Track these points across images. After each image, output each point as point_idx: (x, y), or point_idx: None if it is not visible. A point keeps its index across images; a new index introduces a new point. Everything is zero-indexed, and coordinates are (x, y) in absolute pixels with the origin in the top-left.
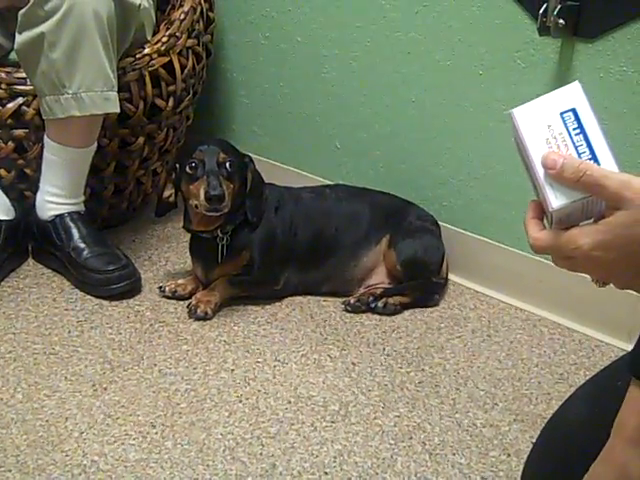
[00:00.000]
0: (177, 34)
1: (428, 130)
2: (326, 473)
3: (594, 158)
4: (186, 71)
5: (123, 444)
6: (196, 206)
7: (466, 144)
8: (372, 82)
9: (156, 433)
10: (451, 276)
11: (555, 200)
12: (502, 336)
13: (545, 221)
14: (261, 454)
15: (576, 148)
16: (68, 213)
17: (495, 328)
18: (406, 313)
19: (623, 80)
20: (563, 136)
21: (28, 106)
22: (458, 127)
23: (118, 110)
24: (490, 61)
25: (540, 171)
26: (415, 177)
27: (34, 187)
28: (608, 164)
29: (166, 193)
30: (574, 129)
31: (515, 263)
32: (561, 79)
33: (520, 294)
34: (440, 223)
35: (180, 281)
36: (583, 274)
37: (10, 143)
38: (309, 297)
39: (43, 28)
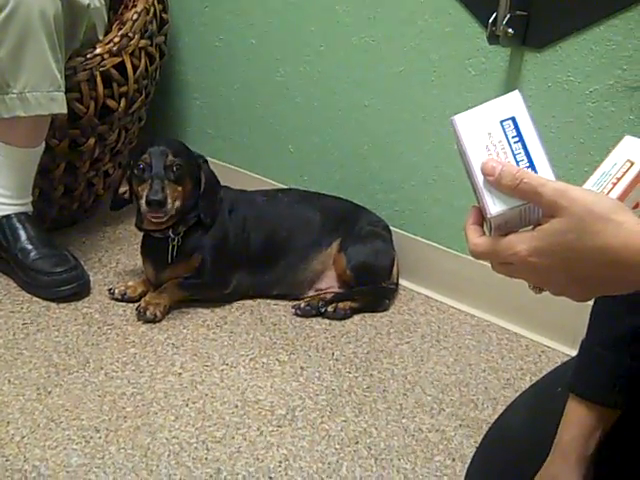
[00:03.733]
0: (129, 34)
1: (380, 135)
2: (271, 478)
3: (532, 166)
4: (138, 72)
5: (65, 449)
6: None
7: (418, 150)
8: (325, 86)
9: (100, 437)
10: (402, 281)
11: (493, 206)
12: (451, 341)
13: (485, 227)
14: (206, 459)
15: (514, 156)
16: (15, 214)
17: (444, 333)
18: (356, 318)
19: (570, 90)
20: (502, 144)
21: None
22: (410, 133)
23: (65, 111)
24: (442, 68)
25: (479, 177)
26: (367, 182)
27: None
28: (545, 172)
29: (122, 189)
30: (513, 137)
31: (465, 269)
32: (510, 87)
33: (470, 299)
34: (392, 228)
35: (130, 283)
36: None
37: None
38: (259, 300)
39: None
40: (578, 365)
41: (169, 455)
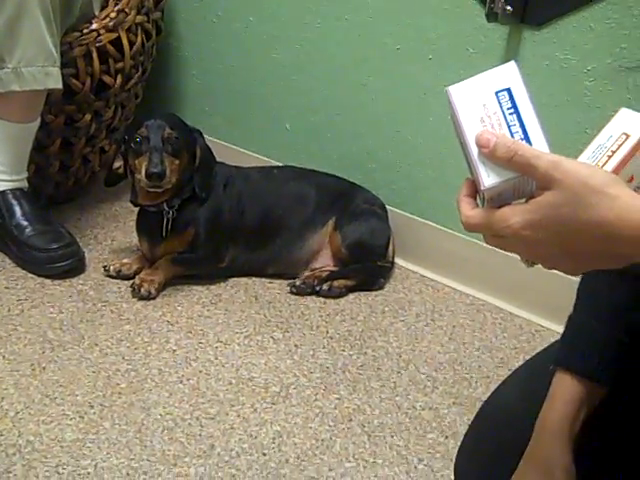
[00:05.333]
0: (126, 10)
1: (377, 114)
2: (264, 454)
3: (526, 138)
4: (135, 48)
5: (60, 424)
6: (139, 181)
7: (415, 128)
8: (323, 64)
9: (94, 413)
10: (397, 260)
11: (487, 179)
12: (445, 320)
13: (478, 200)
14: (200, 435)
15: (509, 128)
16: (10, 190)
17: (439, 312)
18: (351, 296)
19: (568, 68)
20: (497, 115)
21: None
22: (407, 111)
23: (60, 86)
24: (440, 46)
25: (474, 149)
26: (364, 160)
27: None
28: (540, 145)
29: (116, 164)
30: (508, 109)
31: (461, 248)
32: None
33: (465, 279)
34: (388, 207)
35: (125, 260)
36: (514, 255)
37: None
38: (254, 279)
39: None
40: (565, 338)
41: (163, 431)
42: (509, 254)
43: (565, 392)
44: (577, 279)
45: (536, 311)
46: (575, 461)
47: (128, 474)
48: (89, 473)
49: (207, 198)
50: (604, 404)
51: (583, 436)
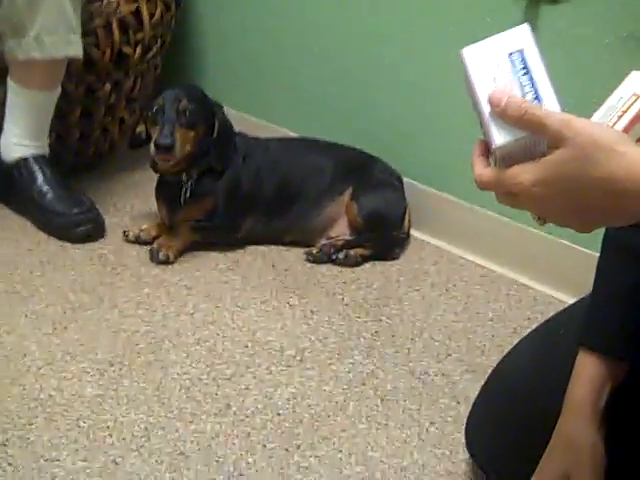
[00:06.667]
0: None
1: (396, 85)
2: (279, 414)
3: (538, 98)
4: (154, 19)
5: (80, 380)
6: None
7: (433, 100)
8: (342, 36)
9: (114, 371)
10: (413, 232)
11: (498, 137)
12: (460, 291)
13: (490, 160)
14: (216, 394)
15: (522, 88)
16: (32, 156)
17: (454, 283)
18: (366, 265)
19: (585, 41)
20: (510, 76)
21: None
22: (426, 82)
23: (81, 55)
24: (459, 19)
25: (486, 109)
26: (382, 132)
27: None
28: (551, 105)
29: (139, 129)
30: (520, 69)
31: (478, 221)
32: None
33: (480, 251)
34: (405, 179)
35: (144, 226)
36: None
37: None
38: (272, 246)
39: None
40: (586, 318)
41: (180, 390)
42: (524, 227)
43: (587, 370)
44: (592, 253)
45: (550, 283)
46: (604, 438)
47: (146, 429)
48: (108, 427)
49: (224, 170)
50: (628, 380)
51: (610, 413)
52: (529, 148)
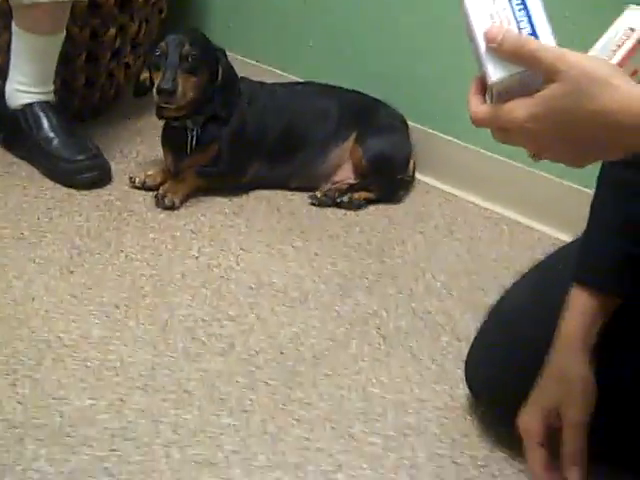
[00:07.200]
0: None
1: (401, 29)
2: (282, 353)
3: (534, 34)
4: None
5: (87, 322)
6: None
7: (439, 44)
8: None
9: (120, 313)
10: (418, 175)
11: (494, 73)
12: (463, 233)
13: (487, 97)
14: (220, 334)
15: (518, 23)
16: (38, 102)
17: (457, 225)
18: (370, 208)
19: None
20: (506, 12)
21: None
22: (430, 26)
23: None
24: None
25: (482, 45)
26: (387, 76)
27: (4, 76)
28: (547, 40)
29: (142, 75)
30: (517, 4)
31: (482, 163)
32: None
33: (484, 193)
34: (409, 122)
35: (150, 172)
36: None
37: None
38: (276, 191)
39: None
40: (580, 254)
41: (185, 330)
42: (529, 168)
43: (580, 304)
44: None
45: (554, 224)
46: (596, 370)
47: (153, 368)
48: (115, 367)
49: (229, 117)
50: (619, 314)
51: (601, 346)
52: (525, 83)
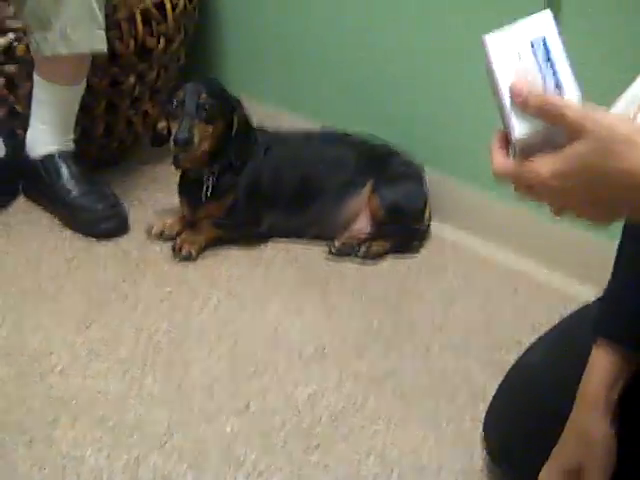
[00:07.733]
0: None
1: (416, 70)
2: (298, 412)
3: (559, 88)
4: (178, 11)
5: (104, 379)
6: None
7: (455, 84)
8: (360, 22)
9: (136, 370)
10: (433, 223)
11: (519, 128)
12: (480, 285)
13: (510, 151)
14: (236, 393)
15: (543, 76)
16: (58, 151)
17: (473, 278)
18: (387, 259)
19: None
20: (532, 65)
21: (19, 42)
22: (446, 66)
23: (105, 49)
24: (480, 1)
25: (507, 99)
26: (402, 118)
27: (25, 125)
28: (572, 95)
29: (160, 125)
30: (542, 58)
31: (498, 213)
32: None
33: (501, 245)
34: (425, 167)
35: (168, 221)
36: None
37: (1, 79)
38: (293, 241)
39: None
40: (602, 307)
41: (201, 388)
42: (546, 221)
43: (602, 360)
44: (614, 246)
45: (571, 278)
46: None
47: (169, 427)
48: (131, 425)
49: (242, 167)
50: None
51: (624, 404)
52: (549, 139)
